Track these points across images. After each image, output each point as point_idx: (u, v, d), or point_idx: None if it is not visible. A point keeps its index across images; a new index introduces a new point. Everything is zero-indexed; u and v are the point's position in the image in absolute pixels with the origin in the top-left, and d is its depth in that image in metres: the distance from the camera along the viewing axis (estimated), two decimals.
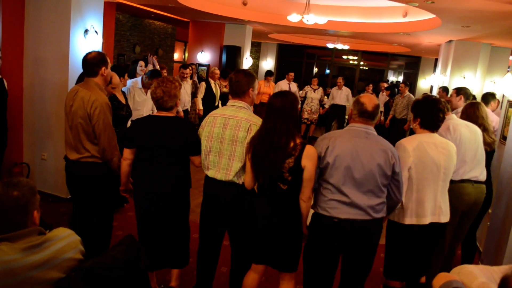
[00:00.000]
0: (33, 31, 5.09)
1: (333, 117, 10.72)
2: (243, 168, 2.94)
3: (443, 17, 6.50)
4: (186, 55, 14.28)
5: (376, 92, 11.09)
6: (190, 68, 7.39)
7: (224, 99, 8.37)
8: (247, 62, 11.70)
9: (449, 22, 6.80)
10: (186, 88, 7.25)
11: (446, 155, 3.04)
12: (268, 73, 10.66)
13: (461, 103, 4.43)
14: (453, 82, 9.00)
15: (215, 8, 9.22)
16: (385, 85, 10.79)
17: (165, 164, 3.05)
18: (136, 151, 3.15)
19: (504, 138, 4.48)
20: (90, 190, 3.33)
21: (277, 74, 16.95)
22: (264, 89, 10.32)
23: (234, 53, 11.07)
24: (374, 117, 2.79)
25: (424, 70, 16.52)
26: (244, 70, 3.16)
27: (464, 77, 8.95)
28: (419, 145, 2.99)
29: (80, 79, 4.11)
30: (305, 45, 16.85)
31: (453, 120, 3.60)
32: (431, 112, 3.07)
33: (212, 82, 8.17)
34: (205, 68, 11.33)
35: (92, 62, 3.26)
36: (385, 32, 9.57)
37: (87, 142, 3.26)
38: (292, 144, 2.68)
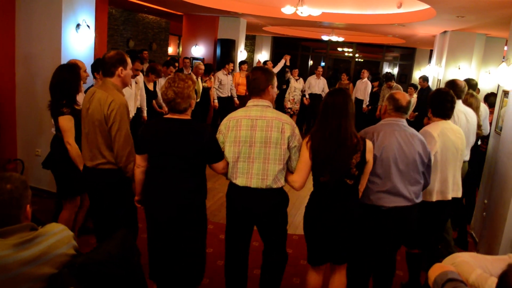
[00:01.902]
0: (25, 26, 5.04)
1: (311, 107, 10.40)
2: (281, 171, 2.82)
3: (438, 7, 6.48)
4: (180, 49, 14.20)
5: (354, 81, 11.00)
6: (174, 66, 7.13)
7: (205, 95, 8.18)
8: (241, 55, 11.66)
9: (444, 12, 6.78)
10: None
11: (461, 139, 3.41)
12: (242, 62, 10.03)
13: None
14: (448, 73, 9.00)
15: (209, 1, 9.17)
16: (366, 73, 10.54)
17: (180, 172, 2.75)
18: (148, 158, 2.88)
19: (499, 128, 4.48)
20: (109, 198, 3.13)
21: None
22: (240, 79, 9.68)
23: (228, 46, 11.01)
24: (407, 111, 3.06)
25: (419, 62, 16.52)
26: (262, 67, 2.98)
27: (459, 68, 8.95)
28: (442, 131, 3.31)
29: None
30: (300, 38, 16.80)
31: (457, 106, 3.88)
32: (442, 103, 3.39)
33: (194, 77, 7.70)
34: (200, 62, 11.28)
35: (108, 62, 3.06)
36: (379, 23, 9.55)
37: (105, 148, 3.04)
38: (355, 140, 2.74)
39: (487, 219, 4.33)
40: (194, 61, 10.97)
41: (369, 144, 2.81)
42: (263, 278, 3.11)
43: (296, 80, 10.39)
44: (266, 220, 2.92)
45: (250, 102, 2.89)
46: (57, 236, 1.84)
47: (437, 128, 3.32)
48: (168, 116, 2.82)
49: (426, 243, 3.57)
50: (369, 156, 2.80)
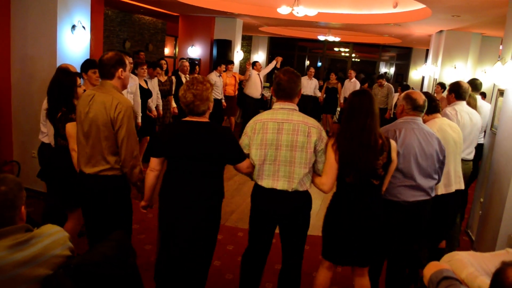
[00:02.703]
0: (20, 27, 5.03)
1: (302, 109, 10.45)
2: (307, 174, 2.82)
3: (433, 7, 6.49)
4: (177, 49, 14.19)
5: (342, 80, 11.10)
6: (163, 63, 6.95)
7: None
8: (238, 55, 11.65)
9: (439, 12, 6.80)
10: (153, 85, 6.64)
11: (458, 134, 3.56)
12: (229, 62, 9.74)
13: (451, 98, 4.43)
14: (444, 72, 9.03)
15: (205, 1, 9.16)
16: (353, 73, 10.74)
17: (200, 175, 2.72)
18: (165, 162, 2.83)
19: (495, 127, 4.50)
20: (110, 206, 3.00)
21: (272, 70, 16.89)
22: (228, 80, 9.37)
23: (225, 47, 11.01)
24: (424, 110, 3.17)
25: (415, 61, 16.56)
26: (292, 70, 2.90)
27: (455, 67, 8.97)
28: (440, 127, 3.45)
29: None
30: (296, 38, 16.82)
31: (462, 106, 4.18)
32: (429, 102, 3.40)
33: (182, 76, 7.69)
34: (197, 62, 11.27)
35: (108, 63, 2.92)
36: (375, 23, 9.57)
37: (109, 153, 2.91)
38: (381, 141, 2.77)
39: (483, 217, 4.34)
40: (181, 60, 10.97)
41: (393, 143, 2.86)
42: (283, 279, 3.10)
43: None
44: (289, 221, 2.92)
45: (277, 105, 2.88)
46: (53, 238, 1.83)
47: (435, 125, 3.43)
48: (187, 119, 2.78)
49: (430, 237, 3.65)
50: (394, 155, 2.85)
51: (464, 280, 1.82)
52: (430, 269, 1.87)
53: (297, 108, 2.88)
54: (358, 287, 3.06)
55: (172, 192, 2.78)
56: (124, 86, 3.07)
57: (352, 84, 10.34)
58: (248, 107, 9.65)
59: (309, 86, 10.51)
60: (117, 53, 3.00)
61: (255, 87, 9.59)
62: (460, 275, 1.84)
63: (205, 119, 2.78)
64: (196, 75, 2.99)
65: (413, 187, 3.05)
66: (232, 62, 9.74)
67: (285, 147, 2.76)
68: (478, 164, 5.04)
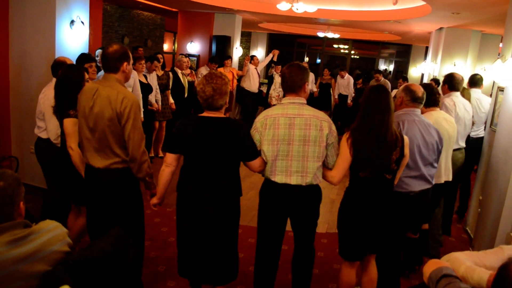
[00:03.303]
0: (18, 23, 5.00)
1: None
2: (319, 168, 2.84)
3: (433, 4, 6.48)
4: (176, 45, 14.15)
5: (335, 76, 11.13)
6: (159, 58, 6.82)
7: (191, 89, 8.08)
8: (237, 52, 11.63)
9: (439, 9, 6.79)
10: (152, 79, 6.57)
11: (453, 127, 3.66)
12: (227, 57, 9.49)
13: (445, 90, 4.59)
14: (444, 69, 9.01)
15: None
16: (345, 73, 10.77)
17: (218, 170, 2.73)
18: (181, 157, 2.83)
19: (495, 124, 4.49)
20: (123, 200, 2.96)
21: (268, 64, 16.88)
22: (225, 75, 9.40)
23: (224, 43, 10.98)
24: (423, 102, 3.23)
25: (415, 58, 16.55)
26: (298, 63, 2.92)
27: (454, 65, 8.96)
28: (436, 120, 3.51)
29: (54, 70, 3.88)
30: (295, 34, 16.79)
31: (457, 97, 4.33)
32: (429, 95, 3.52)
33: (179, 72, 7.59)
34: (195, 58, 11.25)
35: (113, 57, 2.85)
36: (375, 20, 9.55)
37: (117, 146, 2.85)
38: (395, 136, 2.80)
39: (481, 215, 4.34)
40: (189, 57, 10.94)
41: (406, 138, 2.89)
42: (296, 270, 3.14)
43: (279, 75, 10.33)
44: (302, 215, 2.95)
45: (286, 100, 2.88)
46: (51, 233, 1.83)
47: (431, 117, 3.48)
48: (204, 114, 2.77)
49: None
50: (406, 151, 2.88)
51: (463, 274, 1.84)
52: (430, 267, 1.87)
53: (305, 102, 2.89)
54: (366, 273, 3.13)
55: (190, 188, 2.78)
56: (127, 79, 3.02)
57: (346, 81, 10.48)
58: (247, 103, 9.62)
59: None
60: (122, 46, 2.94)
61: (252, 81, 9.61)
62: (458, 271, 1.86)
63: (221, 114, 2.78)
64: (213, 70, 2.97)
65: (418, 177, 3.15)
66: (229, 57, 9.61)
67: (297, 142, 2.77)
68: (475, 157, 5.13)
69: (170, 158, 2.84)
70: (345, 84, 10.49)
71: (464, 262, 1.91)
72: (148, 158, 2.97)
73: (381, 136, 2.75)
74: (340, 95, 10.61)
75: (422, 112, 3.48)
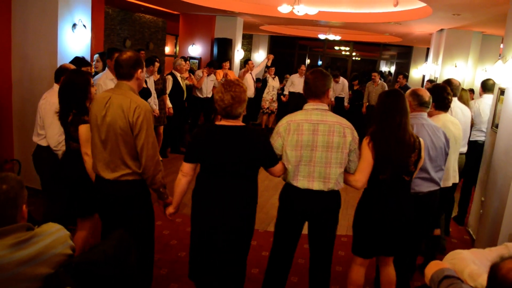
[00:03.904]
0: (21, 26, 5.03)
1: (294, 106, 10.53)
2: (341, 174, 2.87)
3: (434, 5, 6.49)
4: (177, 48, 14.18)
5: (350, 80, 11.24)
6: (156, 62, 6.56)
7: (189, 93, 7.99)
8: (238, 54, 11.64)
9: (440, 10, 6.79)
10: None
11: (459, 130, 3.73)
12: (225, 60, 9.39)
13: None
14: (445, 71, 9.01)
15: (206, 0, 9.15)
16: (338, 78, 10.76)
17: (236, 179, 2.71)
18: (198, 166, 2.79)
19: (496, 126, 4.49)
20: (133, 211, 2.90)
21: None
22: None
23: (225, 45, 11.00)
24: (429, 106, 3.33)
25: (416, 60, 16.53)
26: (321, 69, 2.94)
27: (455, 66, 8.96)
28: (444, 123, 3.54)
29: (57, 76, 3.83)
30: (297, 37, 16.79)
31: (455, 102, 4.30)
32: (442, 97, 3.64)
33: (178, 75, 7.41)
34: (197, 61, 11.27)
35: (127, 63, 2.77)
36: (376, 22, 9.56)
37: (129, 157, 2.78)
38: (412, 139, 2.86)
39: (484, 216, 4.34)
40: (191, 60, 10.95)
41: (422, 141, 2.96)
42: (314, 277, 3.12)
43: (273, 78, 10.42)
44: (322, 220, 2.95)
45: (309, 105, 2.89)
46: (54, 236, 1.84)
47: (439, 121, 3.52)
48: (222, 123, 2.72)
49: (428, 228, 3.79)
50: (423, 153, 2.96)
51: (467, 278, 1.83)
52: (432, 268, 1.87)
53: (328, 108, 2.91)
54: (385, 275, 3.16)
55: (208, 196, 2.75)
56: (140, 87, 2.93)
57: (340, 85, 10.53)
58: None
59: (301, 83, 10.46)
60: (135, 53, 2.87)
61: (248, 87, 9.48)
62: (462, 273, 1.85)
63: (240, 122, 2.74)
64: (229, 77, 2.96)
65: (427, 179, 3.23)
66: (227, 60, 9.39)
67: (321, 147, 2.79)
68: (475, 162, 5.12)
69: (187, 168, 2.79)
70: (340, 88, 10.55)
71: (469, 264, 1.89)
72: (162, 168, 2.90)
73: (400, 139, 2.82)
74: (336, 97, 10.61)
75: (431, 115, 3.55)
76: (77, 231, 3.48)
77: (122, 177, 2.81)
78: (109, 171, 2.81)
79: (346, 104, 10.49)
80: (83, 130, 3.13)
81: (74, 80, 3.21)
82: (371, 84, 9.90)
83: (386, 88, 9.75)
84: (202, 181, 2.78)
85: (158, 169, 2.83)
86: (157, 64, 6.51)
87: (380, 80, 10.03)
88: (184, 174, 2.81)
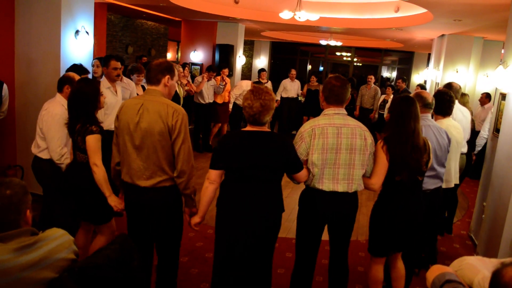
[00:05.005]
0: (24, 32, 5.06)
1: (287, 111, 10.51)
2: (362, 175, 2.97)
3: (435, 11, 6.51)
4: (179, 54, 14.24)
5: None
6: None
7: (189, 100, 7.92)
8: (240, 60, 11.68)
9: (441, 16, 6.81)
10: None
11: (460, 134, 3.88)
12: (224, 66, 9.00)
13: None
14: (446, 76, 9.03)
15: (207, 6, 9.19)
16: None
17: (263, 185, 2.72)
18: (226, 173, 2.78)
19: (497, 130, 4.50)
20: (168, 219, 2.91)
21: (271, 72, 16.97)
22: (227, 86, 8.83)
23: (227, 51, 11.04)
24: (433, 107, 3.54)
25: (417, 65, 16.56)
26: (342, 77, 3.01)
27: (457, 71, 8.98)
28: (447, 128, 3.64)
29: (60, 86, 3.81)
30: (298, 43, 16.84)
31: (455, 105, 4.27)
32: (443, 102, 3.77)
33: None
34: (198, 67, 11.31)
35: (156, 68, 2.83)
36: (377, 27, 9.58)
37: (165, 163, 2.78)
38: (423, 142, 3.03)
39: (486, 221, 4.33)
40: (192, 66, 10.99)
41: (430, 144, 3.12)
42: (334, 278, 3.19)
43: (265, 84, 10.31)
44: (344, 221, 3.03)
45: (331, 110, 2.96)
46: (58, 241, 1.85)
47: (443, 125, 3.63)
48: (248, 129, 2.74)
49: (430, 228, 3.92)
50: (431, 154, 3.12)
51: (480, 284, 1.82)
52: (433, 272, 1.87)
53: (347, 113, 3.01)
54: (395, 270, 3.32)
55: (234, 203, 2.74)
56: (170, 95, 2.92)
57: None
58: (235, 113, 8.98)
59: (293, 88, 10.47)
60: (167, 61, 2.92)
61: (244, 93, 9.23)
62: (473, 279, 1.83)
63: (265, 128, 2.76)
64: (261, 85, 2.97)
65: (433, 176, 3.42)
66: (227, 67, 9.06)
67: (344, 150, 2.87)
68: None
69: (214, 175, 2.77)
70: None
71: (481, 270, 1.89)
72: (194, 175, 2.90)
73: (415, 142, 2.96)
74: None
75: (435, 120, 3.71)
76: (96, 236, 3.46)
77: (160, 184, 2.81)
78: (145, 178, 2.80)
79: None
80: (91, 140, 3.09)
81: (84, 89, 3.15)
82: (365, 87, 9.94)
83: (379, 92, 9.79)
84: (229, 188, 2.77)
85: (193, 173, 2.85)
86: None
87: (374, 85, 10.03)
88: (212, 182, 2.78)
